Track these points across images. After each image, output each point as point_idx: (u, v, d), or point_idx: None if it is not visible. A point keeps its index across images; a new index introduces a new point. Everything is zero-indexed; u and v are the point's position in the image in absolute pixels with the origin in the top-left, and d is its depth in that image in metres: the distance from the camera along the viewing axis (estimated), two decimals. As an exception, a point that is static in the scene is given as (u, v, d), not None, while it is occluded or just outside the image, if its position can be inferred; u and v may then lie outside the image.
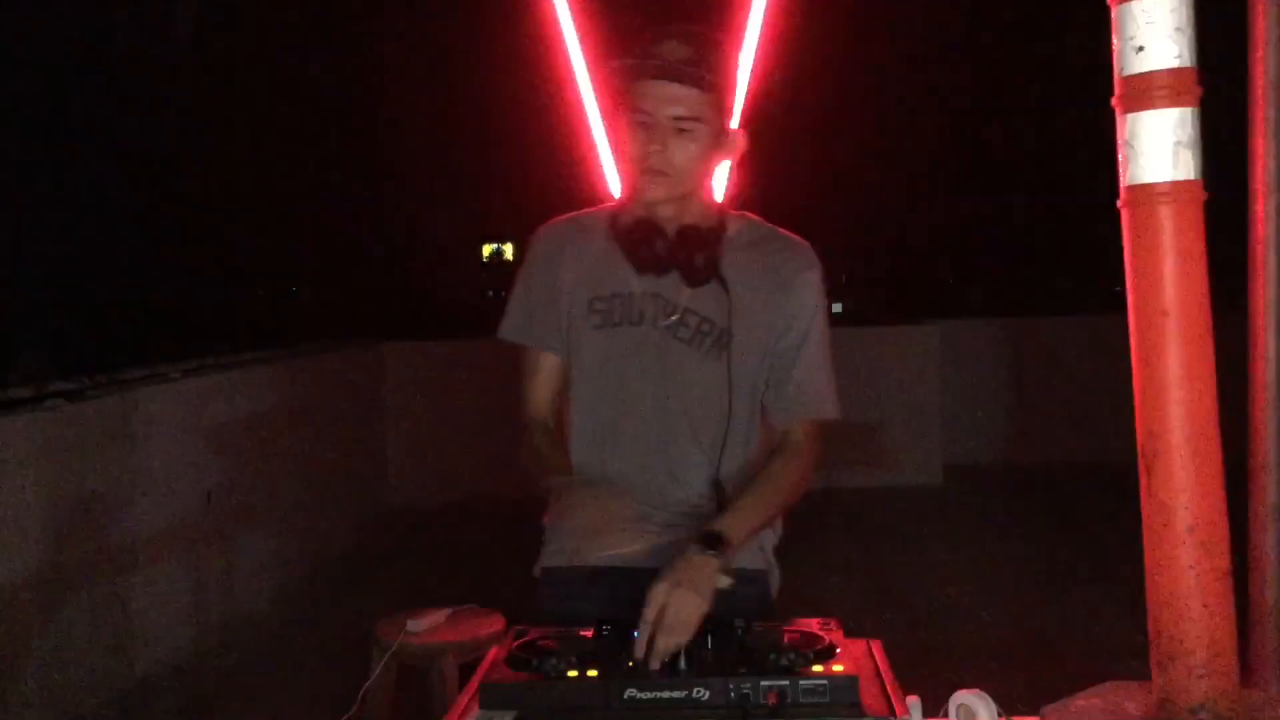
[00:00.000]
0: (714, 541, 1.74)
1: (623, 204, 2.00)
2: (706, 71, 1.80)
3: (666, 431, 1.92)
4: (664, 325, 1.92)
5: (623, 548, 1.88)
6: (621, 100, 1.88)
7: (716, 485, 1.92)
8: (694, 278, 1.89)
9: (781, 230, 2.03)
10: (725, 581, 1.72)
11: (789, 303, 1.95)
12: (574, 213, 2.07)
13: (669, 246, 1.88)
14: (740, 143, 1.93)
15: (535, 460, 1.96)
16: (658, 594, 1.63)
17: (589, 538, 1.92)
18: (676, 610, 1.61)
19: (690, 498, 1.93)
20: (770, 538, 2.03)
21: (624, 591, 1.86)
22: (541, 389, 2.00)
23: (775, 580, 2.03)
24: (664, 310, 1.92)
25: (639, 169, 1.87)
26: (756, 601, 1.96)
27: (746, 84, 3.39)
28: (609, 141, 2.52)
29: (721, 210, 2.00)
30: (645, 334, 1.92)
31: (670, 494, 1.93)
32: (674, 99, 1.81)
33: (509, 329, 2.03)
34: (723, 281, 1.90)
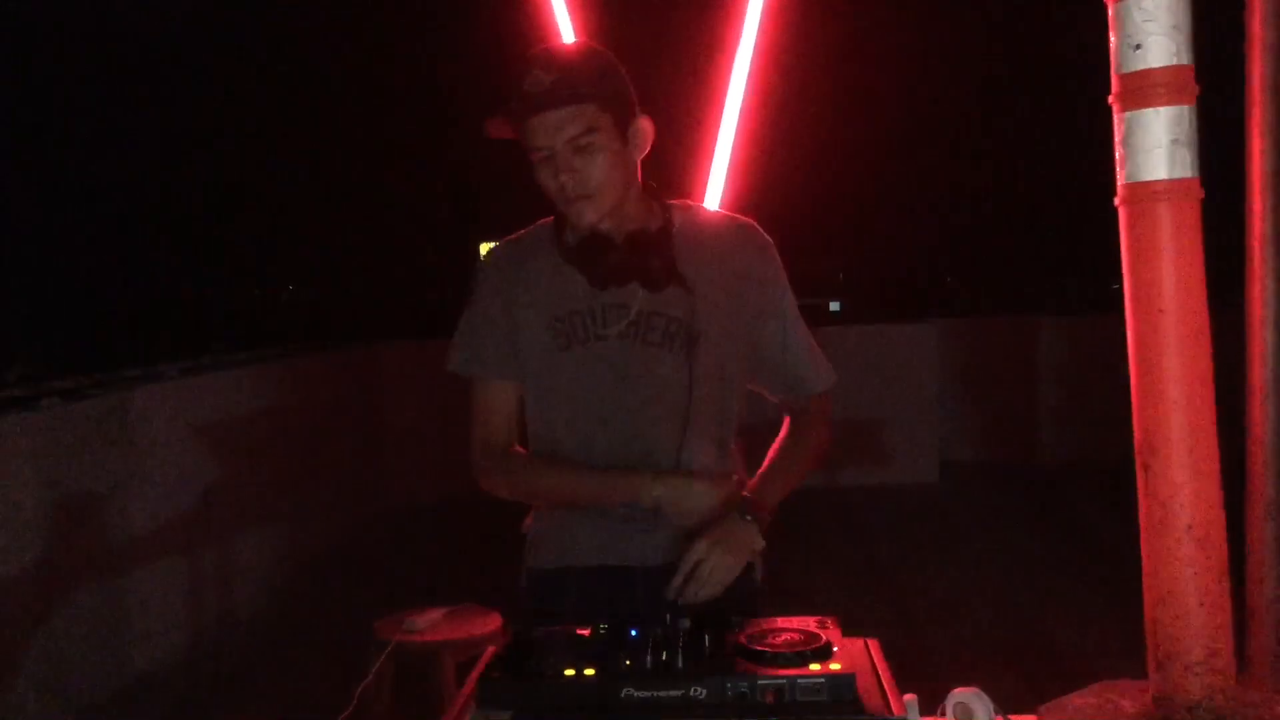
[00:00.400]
0: (752, 508, 1.84)
1: (558, 224, 1.94)
2: (579, 84, 1.77)
3: (651, 438, 1.90)
4: (628, 334, 1.89)
5: (612, 547, 1.90)
6: (519, 144, 1.85)
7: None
8: (654, 284, 1.87)
9: (724, 213, 2.03)
10: (760, 544, 1.83)
11: (756, 289, 1.95)
12: (513, 235, 2.02)
13: (623, 257, 1.85)
14: (649, 131, 1.88)
15: (509, 470, 1.94)
16: (699, 549, 1.76)
17: (576, 539, 1.94)
18: (713, 566, 1.74)
19: None
20: None
21: (613, 590, 1.87)
22: (499, 422, 1.94)
23: (760, 566, 2.05)
24: (628, 319, 1.89)
25: (561, 202, 1.85)
26: (744, 583, 1.95)
27: (744, 81, 3.41)
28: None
29: (662, 205, 1.96)
30: (613, 346, 1.89)
31: None
32: (560, 124, 1.78)
33: (460, 363, 1.96)
34: (683, 281, 1.88)
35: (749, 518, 1.82)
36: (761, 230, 2.00)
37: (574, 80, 1.77)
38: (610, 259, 1.85)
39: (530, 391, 1.95)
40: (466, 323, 1.97)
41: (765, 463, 1.96)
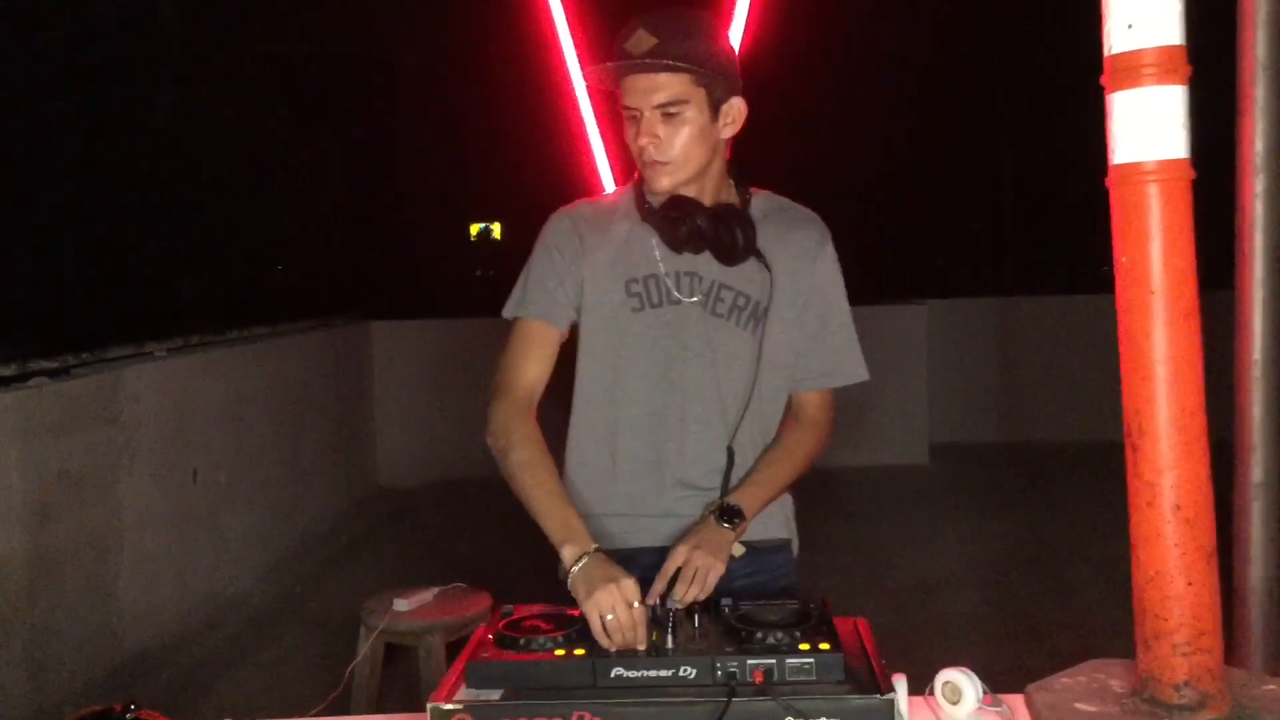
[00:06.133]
0: (731, 514, 1.85)
1: (641, 188, 1.98)
2: (677, 54, 1.80)
3: (707, 408, 1.95)
4: (700, 303, 1.94)
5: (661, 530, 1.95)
6: (614, 99, 1.91)
7: (729, 452, 1.96)
8: (732, 255, 1.90)
9: (792, 202, 2.06)
10: (739, 550, 1.86)
11: (813, 276, 1.99)
12: (590, 198, 2.06)
13: (703, 224, 1.88)
14: (742, 112, 1.91)
15: (509, 448, 1.89)
16: (678, 554, 1.77)
17: (624, 520, 1.98)
18: (695, 568, 1.74)
19: (709, 465, 1.96)
20: (790, 508, 2.10)
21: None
22: (534, 363, 1.95)
23: (796, 547, 2.11)
24: (700, 288, 1.94)
25: (640, 163, 1.89)
26: (785, 569, 2.05)
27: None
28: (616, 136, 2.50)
29: (743, 186, 2.01)
30: (684, 313, 1.94)
31: (700, 465, 1.96)
32: (652, 88, 1.82)
33: (511, 306, 1.99)
34: (761, 258, 1.92)
35: (725, 525, 1.84)
36: (823, 222, 2.04)
37: (673, 49, 1.80)
38: (697, 221, 1.88)
39: (594, 348, 1.98)
40: (532, 272, 1.99)
41: (755, 467, 1.97)
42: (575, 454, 2.03)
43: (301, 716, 1.69)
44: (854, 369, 2.05)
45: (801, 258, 1.97)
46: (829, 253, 2.01)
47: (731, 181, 2.00)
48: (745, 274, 1.94)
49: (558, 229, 2.00)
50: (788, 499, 2.08)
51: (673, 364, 1.94)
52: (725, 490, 1.94)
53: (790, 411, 2.06)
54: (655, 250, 1.95)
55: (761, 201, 2.01)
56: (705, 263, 1.94)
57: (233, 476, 5.45)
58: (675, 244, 1.91)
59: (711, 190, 1.94)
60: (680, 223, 1.88)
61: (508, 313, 2.00)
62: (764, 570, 1.98)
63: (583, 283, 1.96)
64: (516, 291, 2.00)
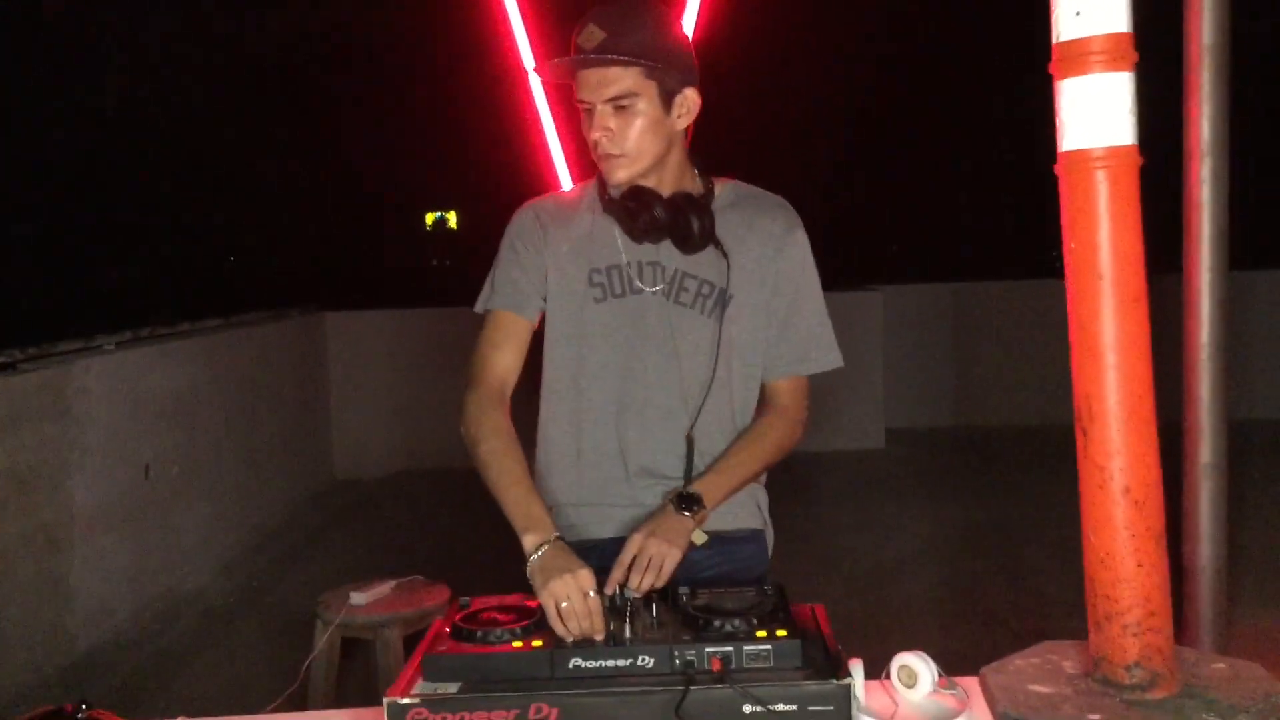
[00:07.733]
0: (690, 503, 1.85)
1: (603, 181, 1.98)
2: (627, 48, 1.81)
3: (669, 396, 1.95)
4: (662, 292, 1.94)
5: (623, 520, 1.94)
6: (570, 92, 1.91)
7: (688, 440, 1.95)
8: (690, 243, 1.91)
9: (761, 190, 2.06)
10: (701, 538, 1.84)
11: (781, 261, 1.98)
12: (554, 193, 2.08)
13: (666, 212, 1.89)
14: (696, 104, 1.92)
15: (479, 439, 1.89)
16: (634, 542, 1.76)
17: (590, 510, 1.98)
18: (650, 556, 1.73)
19: (671, 454, 1.96)
20: (763, 498, 2.10)
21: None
22: (504, 353, 1.96)
23: (771, 538, 2.10)
24: (662, 277, 1.94)
25: (595, 156, 1.90)
26: (756, 559, 2.05)
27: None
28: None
29: (705, 175, 2.01)
30: (646, 302, 1.94)
31: (663, 453, 1.96)
32: (602, 82, 1.83)
33: (488, 301, 1.99)
34: (719, 245, 1.92)
35: (684, 512, 1.83)
36: (793, 209, 2.04)
37: (623, 42, 1.81)
38: (655, 211, 1.89)
39: (558, 338, 1.98)
40: (496, 266, 2.01)
41: (721, 455, 1.96)
42: (543, 443, 2.03)
43: (258, 713, 1.68)
44: (826, 355, 2.04)
45: (768, 244, 1.97)
46: (798, 238, 2.00)
47: (695, 171, 2.00)
48: (708, 262, 1.94)
49: (521, 222, 2.02)
50: (760, 489, 2.08)
51: (634, 353, 1.95)
52: (689, 478, 1.94)
53: (763, 399, 2.05)
54: (618, 240, 1.95)
55: (728, 191, 2.01)
56: (667, 252, 1.94)
57: (186, 471, 5.39)
58: (635, 234, 1.92)
59: (671, 180, 1.94)
60: (639, 213, 1.89)
61: (478, 308, 2.01)
62: (733, 560, 1.98)
63: (547, 273, 1.97)
64: (486, 287, 2.01)
